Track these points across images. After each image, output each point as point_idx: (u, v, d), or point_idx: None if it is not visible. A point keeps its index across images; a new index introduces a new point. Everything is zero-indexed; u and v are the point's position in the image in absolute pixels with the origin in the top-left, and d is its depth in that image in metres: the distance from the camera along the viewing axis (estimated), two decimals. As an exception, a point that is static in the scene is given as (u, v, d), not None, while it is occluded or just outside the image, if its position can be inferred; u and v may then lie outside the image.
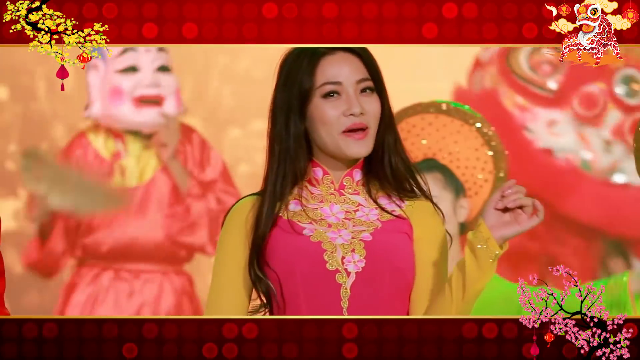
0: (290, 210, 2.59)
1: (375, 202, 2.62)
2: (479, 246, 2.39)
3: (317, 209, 2.59)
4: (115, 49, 5.01)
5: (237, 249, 2.61)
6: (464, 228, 4.07)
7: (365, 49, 2.64)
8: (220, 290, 2.66)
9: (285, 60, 2.62)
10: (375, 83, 2.61)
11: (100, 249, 5.39)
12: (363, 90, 2.58)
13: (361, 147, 2.56)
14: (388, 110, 2.62)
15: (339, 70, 2.56)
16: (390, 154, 2.60)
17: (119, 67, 5.13)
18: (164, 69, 5.11)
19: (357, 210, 2.58)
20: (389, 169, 2.60)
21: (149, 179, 5.25)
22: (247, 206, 2.67)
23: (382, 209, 2.59)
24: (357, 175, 2.65)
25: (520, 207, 2.40)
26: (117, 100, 5.03)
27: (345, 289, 2.50)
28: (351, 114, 2.52)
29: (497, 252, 2.40)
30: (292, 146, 2.55)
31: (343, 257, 2.48)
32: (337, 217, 2.55)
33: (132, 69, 5.06)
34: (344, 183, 2.62)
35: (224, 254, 2.65)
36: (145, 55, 4.94)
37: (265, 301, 2.63)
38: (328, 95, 2.53)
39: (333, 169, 2.62)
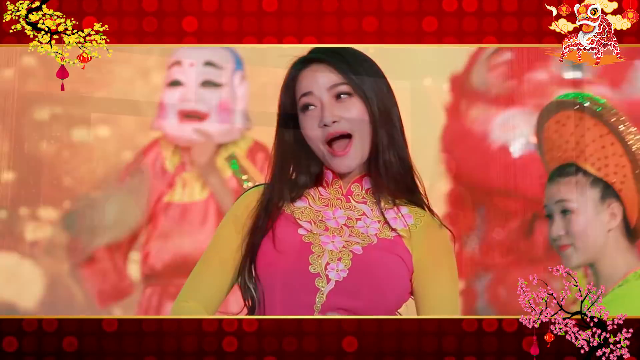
0: (295, 206, 2.57)
1: (382, 214, 2.57)
2: None
3: (320, 211, 2.56)
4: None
5: (233, 240, 2.58)
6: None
7: (339, 54, 2.56)
8: (203, 273, 2.61)
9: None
10: (354, 86, 2.51)
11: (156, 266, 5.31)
12: (338, 97, 2.50)
13: (343, 162, 2.51)
14: (377, 109, 2.51)
15: (311, 81, 2.51)
16: (383, 152, 2.53)
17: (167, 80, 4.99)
18: (208, 84, 5.07)
19: (360, 219, 2.55)
20: (383, 168, 2.55)
21: (207, 195, 5.18)
22: (255, 196, 2.64)
23: (387, 223, 2.55)
24: (367, 183, 2.61)
25: None
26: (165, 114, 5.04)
27: (322, 294, 2.46)
28: (324, 125, 2.48)
29: None
30: (285, 160, 2.54)
31: (327, 264, 2.45)
32: (337, 221, 2.52)
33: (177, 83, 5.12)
34: (352, 189, 2.59)
35: (220, 240, 2.62)
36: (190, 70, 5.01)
37: (248, 304, 2.59)
38: (305, 108, 2.48)
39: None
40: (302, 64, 2.59)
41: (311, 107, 2.53)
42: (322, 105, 2.51)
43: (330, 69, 2.53)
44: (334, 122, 2.50)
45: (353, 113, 2.51)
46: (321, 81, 2.52)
